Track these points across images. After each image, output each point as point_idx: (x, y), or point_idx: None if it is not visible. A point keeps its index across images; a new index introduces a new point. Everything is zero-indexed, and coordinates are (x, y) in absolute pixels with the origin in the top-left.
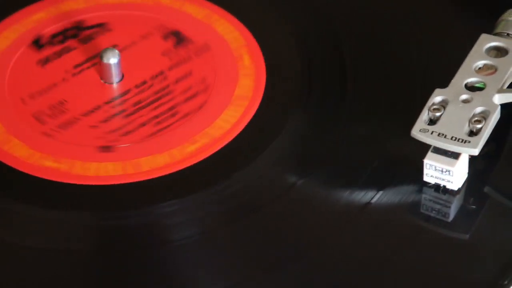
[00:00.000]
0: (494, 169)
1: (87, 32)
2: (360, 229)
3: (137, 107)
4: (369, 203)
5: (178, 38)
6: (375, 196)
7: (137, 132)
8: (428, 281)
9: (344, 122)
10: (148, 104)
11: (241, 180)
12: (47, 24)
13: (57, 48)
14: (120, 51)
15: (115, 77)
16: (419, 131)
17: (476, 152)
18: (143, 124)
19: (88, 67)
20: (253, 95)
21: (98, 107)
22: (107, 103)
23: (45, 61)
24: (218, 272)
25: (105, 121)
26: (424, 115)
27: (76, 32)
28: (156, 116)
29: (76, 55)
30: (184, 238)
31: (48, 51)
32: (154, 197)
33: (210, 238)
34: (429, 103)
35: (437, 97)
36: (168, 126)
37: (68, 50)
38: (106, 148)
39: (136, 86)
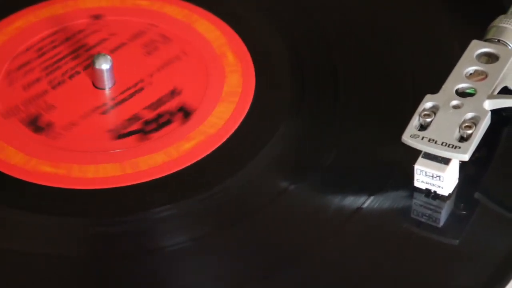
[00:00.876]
0: (485, 174)
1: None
2: (351, 234)
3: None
4: (360, 208)
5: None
6: (366, 202)
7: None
8: (418, 287)
9: (335, 127)
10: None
11: (230, 185)
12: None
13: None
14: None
15: (107, 82)
16: (410, 137)
17: (466, 157)
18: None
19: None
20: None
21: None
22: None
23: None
24: (212, 278)
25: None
26: (415, 121)
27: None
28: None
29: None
30: (177, 244)
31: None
32: (145, 203)
33: (202, 244)
34: (420, 108)
35: (427, 103)
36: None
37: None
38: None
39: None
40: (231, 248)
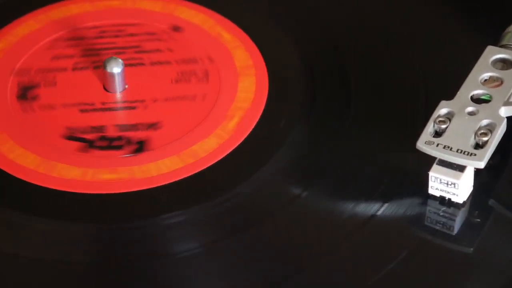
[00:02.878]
0: (499, 182)
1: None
2: (365, 242)
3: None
4: (374, 215)
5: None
6: (380, 209)
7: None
8: None
9: (348, 134)
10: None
11: (241, 192)
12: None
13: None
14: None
15: (118, 86)
16: (425, 143)
17: (482, 165)
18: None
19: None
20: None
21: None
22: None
23: None
24: (219, 286)
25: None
26: (430, 127)
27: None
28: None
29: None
30: (185, 251)
31: None
32: (152, 208)
33: (211, 251)
34: (435, 115)
35: (442, 109)
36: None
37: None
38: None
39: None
40: (241, 255)
